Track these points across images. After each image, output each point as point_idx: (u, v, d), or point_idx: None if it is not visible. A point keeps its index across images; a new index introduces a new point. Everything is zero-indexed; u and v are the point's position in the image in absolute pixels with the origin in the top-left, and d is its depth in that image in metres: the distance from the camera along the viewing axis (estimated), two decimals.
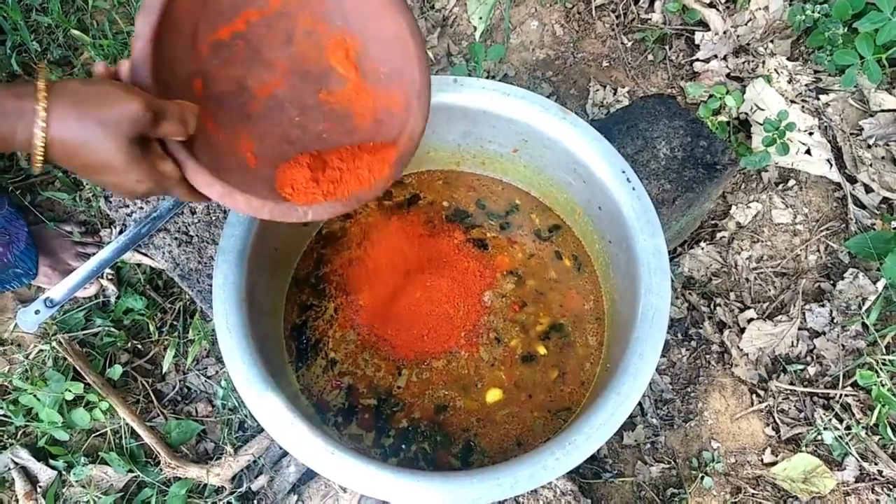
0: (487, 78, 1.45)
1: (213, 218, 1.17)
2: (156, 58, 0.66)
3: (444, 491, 0.74)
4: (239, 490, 1.21)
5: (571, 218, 1.05)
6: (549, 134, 0.94)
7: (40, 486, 1.21)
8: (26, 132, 0.57)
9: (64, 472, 1.22)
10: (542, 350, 0.99)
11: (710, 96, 1.49)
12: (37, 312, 1.11)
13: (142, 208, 1.19)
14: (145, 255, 1.19)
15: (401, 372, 0.97)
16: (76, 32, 1.55)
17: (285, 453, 1.22)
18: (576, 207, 1.02)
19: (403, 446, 0.92)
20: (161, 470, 1.20)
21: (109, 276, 1.33)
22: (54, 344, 1.25)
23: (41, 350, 1.28)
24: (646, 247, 0.85)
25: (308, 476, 1.20)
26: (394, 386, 0.96)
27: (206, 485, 1.22)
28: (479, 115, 0.97)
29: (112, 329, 1.31)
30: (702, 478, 1.26)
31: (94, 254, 1.09)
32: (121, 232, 1.17)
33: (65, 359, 1.25)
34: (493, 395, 0.96)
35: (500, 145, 1.02)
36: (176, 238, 1.16)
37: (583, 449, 0.76)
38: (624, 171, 0.89)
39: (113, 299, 1.33)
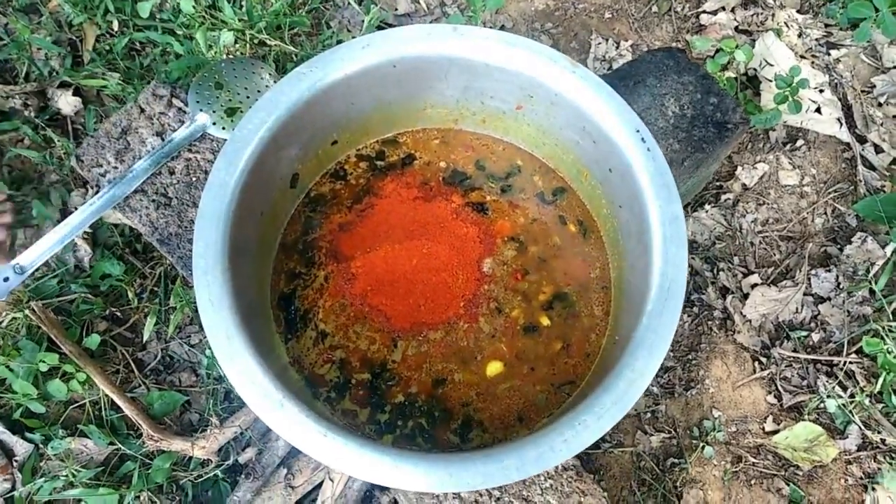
0: None
1: (194, 179, 1.10)
2: None
3: (446, 474, 0.69)
4: (226, 463, 1.16)
5: (577, 181, 0.98)
6: (557, 89, 0.86)
7: (16, 460, 1.15)
8: None
9: (41, 446, 1.17)
10: (545, 321, 0.93)
11: (718, 50, 1.42)
12: (6, 280, 1.04)
13: (116, 168, 1.11)
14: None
15: (396, 344, 0.91)
16: None
17: None
18: (583, 169, 0.95)
19: (399, 422, 0.87)
20: (143, 442, 1.15)
21: (84, 236, 1.25)
22: (27, 312, 1.18)
23: (14, 318, 1.21)
24: (661, 212, 0.79)
25: (297, 449, 1.15)
26: (389, 359, 0.90)
27: (190, 457, 1.17)
28: (480, 68, 0.89)
29: (88, 296, 1.24)
30: (703, 447, 1.23)
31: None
32: (95, 193, 1.09)
33: (39, 327, 1.18)
34: (494, 368, 0.91)
35: (502, 101, 0.95)
36: (154, 200, 1.08)
37: (593, 429, 0.72)
38: (638, 130, 0.82)
39: (86, 260, 1.26)
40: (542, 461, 0.70)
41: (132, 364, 1.23)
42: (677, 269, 0.77)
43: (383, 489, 1.09)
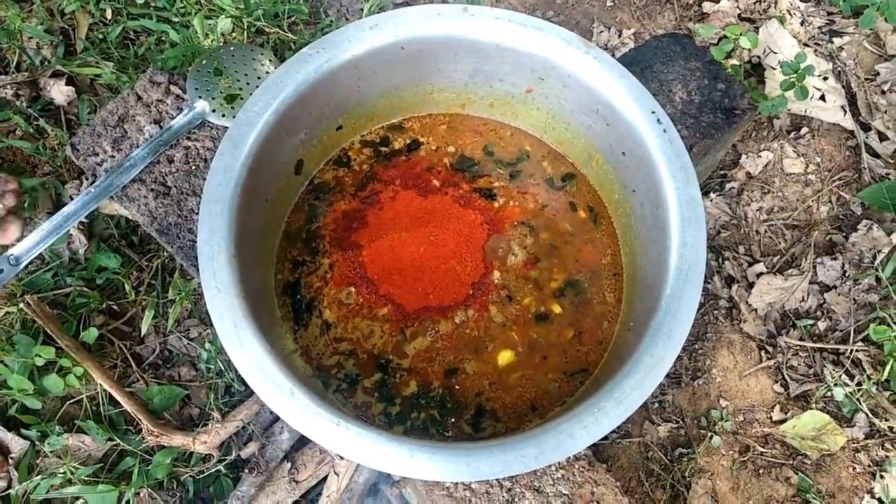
0: None
1: (193, 167, 1.07)
2: None
3: (464, 464, 0.68)
4: (228, 458, 1.14)
5: (588, 165, 0.97)
6: (571, 70, 0.85)
7: (12, 458, 1.12)
8: None
9: (37, 442, 1.13)
10: (556, 308, 0.92)
11: (722, 38, 1.41)
12: (0, 271, 1.01)
13: (113, 156, 1.08)
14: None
15: (405, 334, 0.89)
16: None
17: (277, 419, 1.15)
18: (594, 154, 0.93)
19: (413, 414, 0.85)
20: (143, 438, 1.12)
21: (80, 227, 1.22)
22: (22, 306, 1.15)
23: (7, 312, 1.18)
24: (678, 195, 0.78)
25: (302, 442, 1.13)
26: (398, 349, 0.88)
27: (191, 453, 1.14)
28: (490, 50, 0.87)
29: (84, 289, 1.21)
30: (710, 437, 1.21)
31: None
32: (91, 182, 1.06)
33: (34, 321, 1.15)
34: (505, 358, 0.89)
35: (512, 84, 0.93)
36: (152, 189, 1.06)
37: (613, 416, 0.70)
38: (654, 112, 0.80)
39: (82, 252, 1.23)
40: (561, 449, 0.68)
41: (130, 358, 1.20)
42: (696, 253, 0.75)
43: (390, 482, 1.07)
